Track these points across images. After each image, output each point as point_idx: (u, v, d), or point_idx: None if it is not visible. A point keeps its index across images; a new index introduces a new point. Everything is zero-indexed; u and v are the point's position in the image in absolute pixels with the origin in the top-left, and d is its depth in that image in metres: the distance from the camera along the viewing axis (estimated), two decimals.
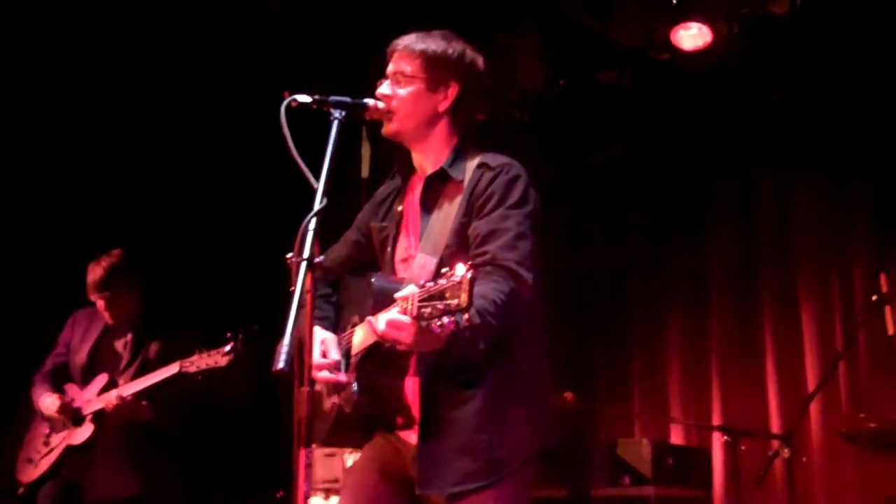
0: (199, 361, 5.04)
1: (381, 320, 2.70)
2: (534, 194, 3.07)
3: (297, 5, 6.54)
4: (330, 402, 3.19)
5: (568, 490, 5.36)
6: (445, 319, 2.50)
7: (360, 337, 3.05)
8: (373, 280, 3.05)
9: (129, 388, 5.20)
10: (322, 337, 3.16)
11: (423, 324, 2.54)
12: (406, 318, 2.60)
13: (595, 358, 7.53)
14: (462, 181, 3.10)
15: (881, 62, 6.21)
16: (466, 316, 2.49)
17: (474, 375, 2.96)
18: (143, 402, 5.21)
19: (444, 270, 2.53)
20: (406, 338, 2.66)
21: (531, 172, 3.13)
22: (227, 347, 4.98)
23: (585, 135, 7.31)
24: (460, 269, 2.48)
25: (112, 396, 5.16)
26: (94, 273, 5.41)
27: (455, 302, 2.47)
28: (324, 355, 3.10)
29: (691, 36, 6.30)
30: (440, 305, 2.49)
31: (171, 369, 5.09)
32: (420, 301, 2.53)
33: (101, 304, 5.45)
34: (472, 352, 2.86)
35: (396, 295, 2.65)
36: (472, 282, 2.47)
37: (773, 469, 5.38)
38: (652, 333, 7.34)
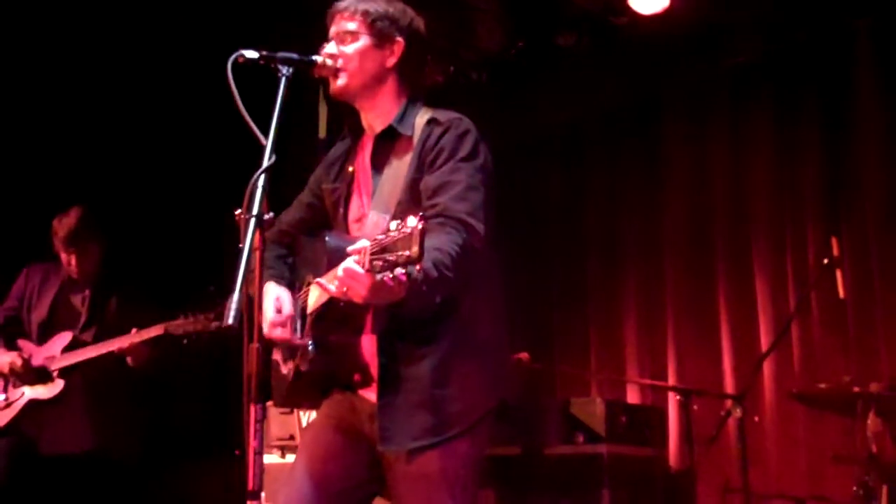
0: (186, 325, 5.04)
1: (339, 269, 2.67)
2: (484, 148, 3.08)
3: None
4: (286, 367, 3.20)
5: (521, 448, 5.40)
6: (398, 271, 2.50)
7: (313, 297, 3.06)
8: (327, 238, 3.05)
9: (113, 345, 5.17)
10: (277, 293, 3.18)
11: (378, 277, 2.54)
12: (360, 269, 2.59)
13: (551, 319, 7.58)
14: (412, 137, 3.11)
15: (836, 27, 6.26)
16: (418, 267, 2.50)
17: (431, 331, 2.98)
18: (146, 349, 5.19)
19: (395, 223, 2.52)
20: (361, 289, 2.64)
21: (489, 134, 3.14)
22: (216, 311, 4.96)
23: (543, 97, 7.31)
24: (411, 221, 2.48)
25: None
26: (66, 226, 5.38)
27: (406, 253, 2.46)
28: (278, 311, 3.11)
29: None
30: (391, 257, 2.49)
31: (156, 330, 5.08)
32: (372, 253, 2.53)
33: (70, 257, 5.42)
34: (428, 305, 2.86)
35: (349, 248, 2.64)
36: (423, 233, 2.47)
37: (725, 428, 5.47)
38: (608, 294, 7.40)
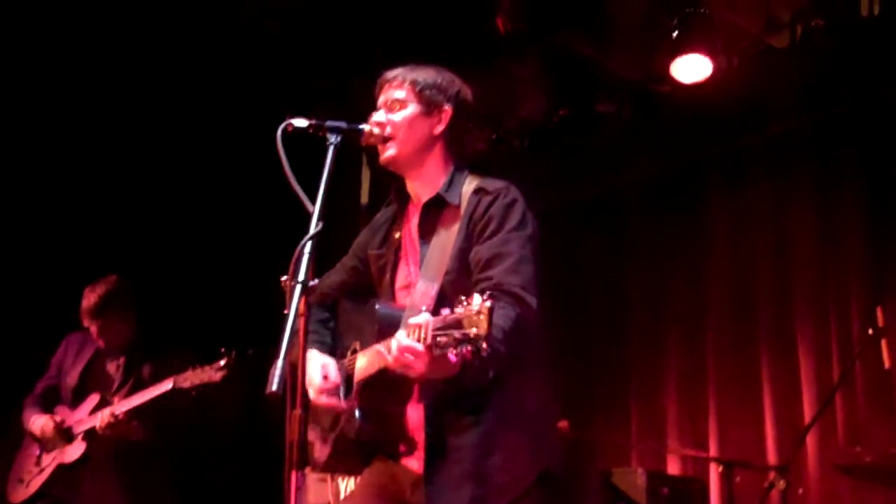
0: (193, 377, 5.06)
1: (395, 345, 2.70)
2: (532, 217, 3.10)
3: (295, 29, 6.56)
4: (323, 430, 3.19)
5: None
6: (461, 348, 2.52)
7: (363, 363, 3.06)
8: (377, 307, 3.07)
9: (123, 406, 5.20)
10: (322, 361, 3.18)
11: (438, 352, 2.56)
12: (420, 346, 2.61)
13: (592, 387, 7.51)
14: (459, 206, 3.13)
15: (878, 96, 6.24)
16: (485, 345, 2.50)
17: (478, 401, 2.98)
18: (134, 422, 5.21)
19: (460, 299, 2.55)
20: (419, 365, 2.67)
21: (531, 202, 3.15)
22: (221, 363, 5.00)
23: (584, 164, 7.33)
24: (478, 299, 2.51)
25: (105, 414, 5.16)
26: (89, 299, 5.43)
27: (474, 331, 2.49)
28: (325, 379, 3.11)
29: (691, 68, 6.32)
30: (457, 334, 2.51)
31: (165, 385, 5.10)
32: (435, 329, 2.56)
33: (94, 329, 5.46)
34: (481, 379, 2.87)
35: (410, 321, 2.68)
36: (492, 311, 2.50)
37: (769, 501, 5.35)
38: (649, 363, 7.33)
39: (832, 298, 6.46)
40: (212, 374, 5.03)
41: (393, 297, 3.22)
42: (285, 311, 2.58)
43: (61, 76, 6.35)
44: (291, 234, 2.74)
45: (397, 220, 3.34)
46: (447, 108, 3.21)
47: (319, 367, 3.14)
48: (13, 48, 6.13)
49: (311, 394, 3.08)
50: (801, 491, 5.95)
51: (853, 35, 6.09)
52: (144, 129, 6.74)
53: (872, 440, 5.85)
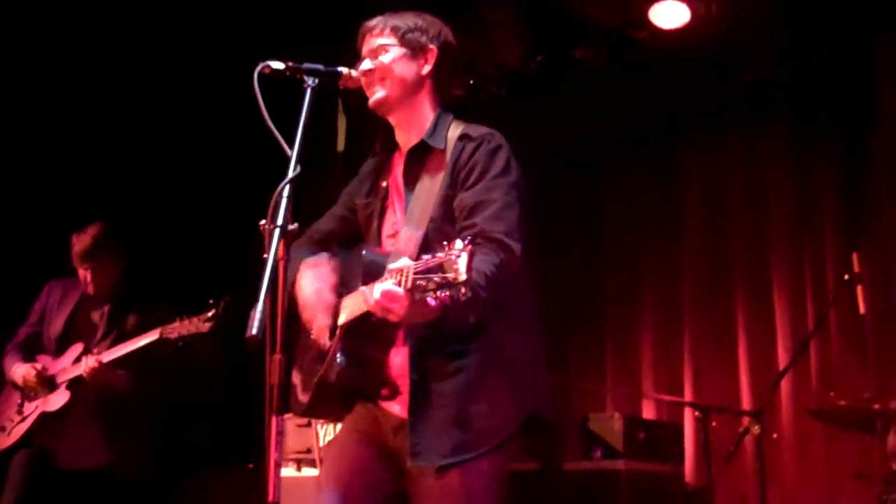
0: (181, 328, 5.04)
1: (376, 290, 2.71)
2: (516, 164, 3.10)
3: None
4: (305, 375, 3.19)
5: (540, 463, 5.39)
6: (440, 293, 2.52)
7: (348, 307, 3.05)
8: (363, 253, 3.07)
9: (110, 354, 5.19)
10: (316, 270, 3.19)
11: (418, 296, 2.57)
12: (400, 290, 2.62)
13: (569, 333, 7.55)
14: (444, 151, 3.12)
15: (855, 42, 6.24)
16: (463, 290, 2.51)
17: (462, 346, 2.99)
18: (120, 371, 5.21)
19: (443, 244, 2.54)
20: (399, 309, 2.69)
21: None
22: (209, 314, 4.99)
23: (561, 112, 7.31)
24: (459, 244, 2.51)
25: (90, 361, 5.15)
26: (82, 242, 5.40)
27: (452, 276, 2.49)
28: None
29: (669, 14, 6.30)
30: (436, 278, 2.52)
31: (152, 335, 5.09)
32: (416, 274, 2.56)
33: (86, 273, 5.43)
34: (462, 324, 2.89)
35: (390, 266, 2.68)
36: (472, 256, 2.50)
37: (743, 445, 5.41)
38: (625, 309, 7.37)
39: (807, 245, 6.51)
40: (200, 324, 5.02)
41: (380, 244, 3.21)
42: (264, 256, 2.57)
43: (35, 27, 6.26)
44: (269, 180, 2.71)
45: (383, 169, 3.33)
46: (432, 47, 3.20)
47: (312, 289, 3.14)
48: None
49: (303, 314, 3.11)
50: (775, 436, 6.00)
51: None
52: (126, 76, 6.66)
53: (846, 386, 5.91)
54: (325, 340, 3.08)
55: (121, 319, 5.44)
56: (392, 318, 2.75)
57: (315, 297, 3.13)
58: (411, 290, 2.58)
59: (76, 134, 6.69)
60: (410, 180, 3.19)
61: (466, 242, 2.50)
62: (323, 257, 3.23)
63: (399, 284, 2.63)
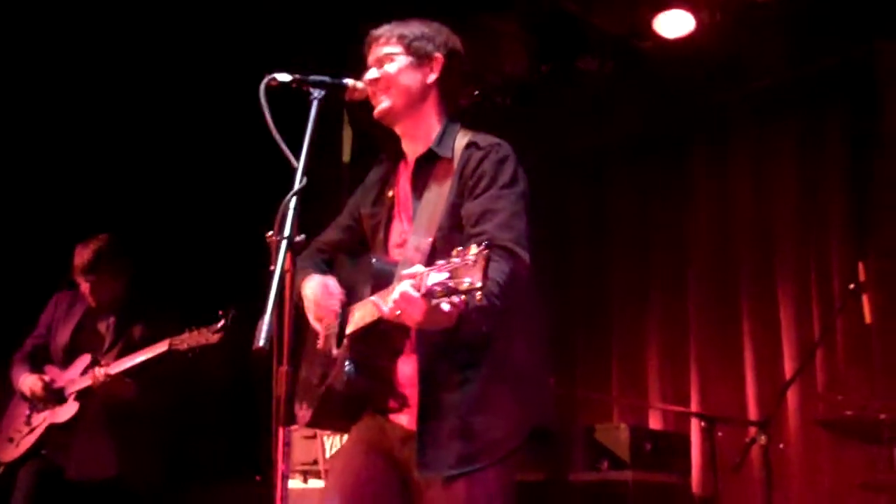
0: (190, 339, 5.03)
1: (396, 292, 2.68)
2: (523, 174, 3.11)
3: None
4: (312, 385, 3.18)
5: (546, 474, 5.38)
6: (456, 298, 2.51)
7: (358, 315, 3.05)
8: (373, 261, 3.08)
9: (118, 366, 5.18)
10: (323, 279, 3.20)
11: (434, 301, 2.55)
12: (417, 294, 2.60)
13: (575, 343, 7.55)
14: (451, 161, 3.12)
15: (861, 51, 6.23)
16: (479, 295, 2.49)
17: (471, 358, 2.98)
18: (128, 381, 5.21)
19: (457, 249, 2.53)
20: (416, 313, 2.67)
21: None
22: (219, 325, 4.98)
23: (567, 121, 7.31)
24: (474, 249, 2.49)
25: (99, 373, 5.15)
26: (82, 256, 5.40)
27: (468, 281, 2.47)
28: (326, 293, 3.14)
29: (674, 23, 6.30)
30: (452, 284, 2.50)
31: (161, 346, 5.09)
32: (431, 278, 2.54)
33: (86, 286, 5.44)
34: (475, 332, 2.89)
35: (404, 272, 2.66)
36: (488, 261, 2.48)
37: (749, 455, 5.39)
38: (631, 319, 7.36)
39: (813, 255, 6.50)
40: (209, 336, 5.01)
41: (387, 253, 3.21)
42: (271, 268, 2.57)
43: (43, 33, 6.27)
44: (276, 191, 2.72)
45: (390, 177, 3.33)
46: (438, 55, 3.20)
47: (319, 284, 3.14)
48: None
49: (310, 315, 3.11)
50: (781, 446, 6.01)
51: None
52: (132, 91, 6.67)
53: (853, 395, 5.89)
54: (332, 349, 3.08)
55: (127, 330, 5.43)
56: (409, 323, 2.74)
57: (323, 299, 3.14)
58: (427, 295, 2.56)
59: (85, 144, 6.69)
60: (418, 189, 3.19)
61: (482, 248, 2.49)
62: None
63: (415, 288, 2.61)
